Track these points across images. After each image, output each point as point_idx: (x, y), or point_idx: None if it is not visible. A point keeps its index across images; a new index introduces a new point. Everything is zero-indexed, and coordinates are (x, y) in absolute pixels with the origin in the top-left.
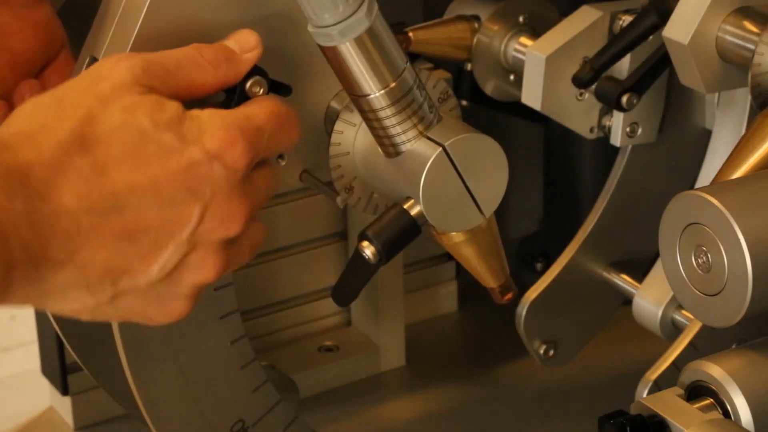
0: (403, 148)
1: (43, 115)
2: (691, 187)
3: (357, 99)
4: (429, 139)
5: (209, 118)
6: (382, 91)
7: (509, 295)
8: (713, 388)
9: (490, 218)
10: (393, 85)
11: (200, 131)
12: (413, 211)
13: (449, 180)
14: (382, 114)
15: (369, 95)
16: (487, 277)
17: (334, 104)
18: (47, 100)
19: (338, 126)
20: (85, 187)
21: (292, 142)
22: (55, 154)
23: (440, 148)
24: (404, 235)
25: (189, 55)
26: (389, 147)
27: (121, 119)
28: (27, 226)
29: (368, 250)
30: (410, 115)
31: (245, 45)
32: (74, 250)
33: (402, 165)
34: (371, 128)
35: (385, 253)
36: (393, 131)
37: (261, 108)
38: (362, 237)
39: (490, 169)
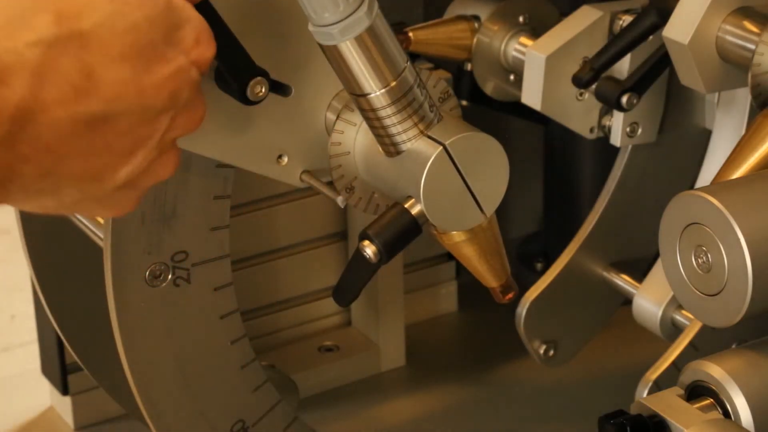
0: (404, 147)
1: (17, 3)
2: (691, 187)
3: (357, 98)
4: (430, 138)
5: (191, 15)
6: (383, 90)
7: (510, 295)
8: (713, 388)
9: (491, 217)
10: (393, 84)
11: (185, 32)
12: (414, 211)
13: (450, 179)
14: (382, 113)
15: (369, 94)
16: (488, 276)
17: (335, 104)
18: None
19: (338, 126)
20: (72, 95)
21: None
22: (38, 58)
23: (441, 147)
24: (405, 234)
25: None
26: (390, 146)
27: (111, 10)
28: (4, 147)
29: (369, 250)
30: (411, 114)
31: None
32: (53, 162)
33: (403, 164)
34: (372, 127)
35: (386, 252)
36: (393, 130)
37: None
38: (363, 236)
39: (491, 168)
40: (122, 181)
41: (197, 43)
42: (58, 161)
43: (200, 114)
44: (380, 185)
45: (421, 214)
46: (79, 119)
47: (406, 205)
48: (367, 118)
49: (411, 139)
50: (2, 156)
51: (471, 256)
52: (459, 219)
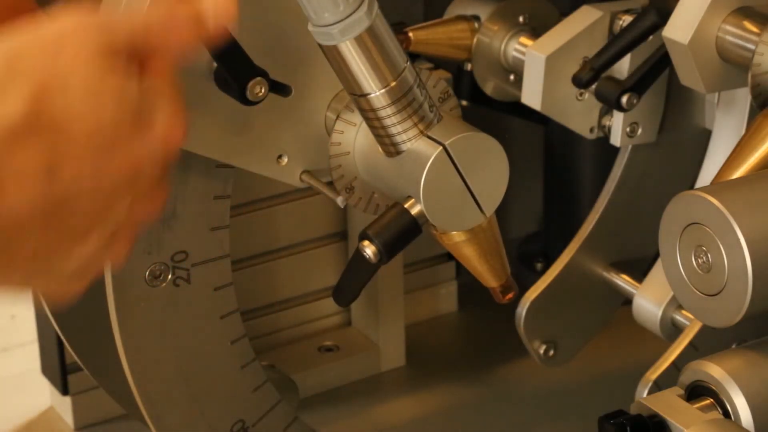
0: (404, 147)
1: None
2: (691, 187)
3: (357, 98)
4: (429, 138)
5: (165, 103)
6: (383, 90)
7: (510, 295)
8: (713, 388)
9: (490, 217)
10: (393, 84)
11: (154, 119)
12: (414, 211)
13: (450, 179)
14: (382, 113)
15: (369, 94)
16: (488, 276)
17: (335, 104)
18: None
19: (338, 126)
20: (34, 186)
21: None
22: (4, 143)
23: (441, 147)
24: (405, 234)
25: (159, 18)
26: (390, 146)
27: (83, 99)
28: None
29: (369, 250)
30: (410, 114)
31: (220, 10)
32: (6, 243)
33: (402, 164)
34: (372, 128)
35: (386, 252)
36: (393, 130)
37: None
38: (363, 236)
39: (491, 168)
40: (73, 263)
41: (169, 125)
42: (8, 243)
43: (160, 201)
44: (380, 185)
45: (421, 214)
46: (36, 203)
47: (406, 205)
48: (367, 119)
49: (411, 139)
50: None
51: (471, 256)
52: (459, 219)
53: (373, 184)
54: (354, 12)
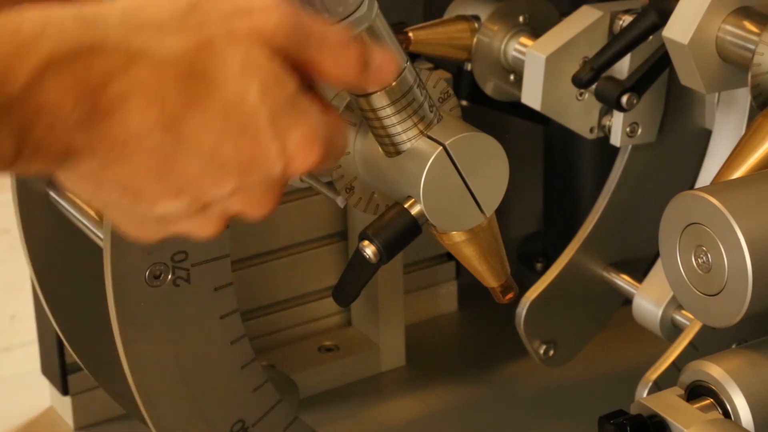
0: (404, 147)
1: (165, 18)
2: (691, 187)
3: (357, 98)
4: (429, 138)
5: (310, 118)
6: (383, 90)
7: (510, 295)
8: (713, 388)
9: (490, 217)
10: (393, 84)
11: (293, 127)
12: (414, 211)
13: (450, 179)
14: (382, 113)
15: (369, 94)
16: (488, 276)
17: (335, 104)
18: (184, 1)
19: None
20: (159, 117)
21: (326, 169)
22: (151, 66)
23: (441, 147)
24: (405, 234)
25: (337, 40)
26: (390, 146)
27: (234, 72)
28: (79, 129)
29: (369, 250)
30: (410, 114)
31: (383, 72)
32: (112, 160)
33: (402, 164)
34: (372, 128)
35: (386, 252)
36: (393, 130)
37: (341, 131)
38: (363, 236)
39: (491, 168)
40: (157, 213)
41: (301, 146)
42: (115, 161)
43: (266, 207)
44: (380, 185)
45: (421, 214)
46: (150, 140)
47: (406, 205)
48: (367, 118)
49: (411, 140)
50: (79, 136)
51: (471, 257)
52: (459, 219)
53: (373, 184)
54: (354, 12)
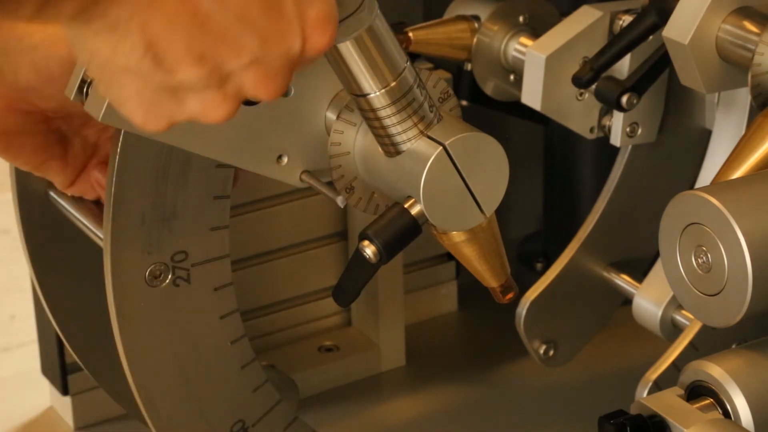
0: (404, 147)
1: None
2: (691, 187)
3: (357, 98)
4: (429, 138)
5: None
6: (383, 90)
7: (510, 295)
8: (713, 388)
9: (490, 217)
10: (393, 84)
11: (312, 3)
12: (414, 211)
13: (450, 179)
14: (382, 113)
15: (369, 94)
16: (488, 276)
17: (335, 104)
18: None
19: (338, 126)
20: None
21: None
22: None
23: (441, 147)
24: (405, 234)
25: None
26: (390, 146)
27: None
28: None
29: (369, 250)
30: (410, 115)
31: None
32: (144, 8)
33: (402, 164)
34: (372, 128)
35: (386, 252)
36: (393, 130)
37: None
38: (363, 236)
39: (491, 168)
40: (174, 82)
41: (317, 24)
42: (146, 9)
43: (279, 86)
44: (380, 185)
45: (421, 214)
46: None
47: (406, 205)
48: (367, 119)
49: (411, 140)
50: None
51: (471, 257)
52: (459, 219)
53: (373, 184)
54: (354, 12)
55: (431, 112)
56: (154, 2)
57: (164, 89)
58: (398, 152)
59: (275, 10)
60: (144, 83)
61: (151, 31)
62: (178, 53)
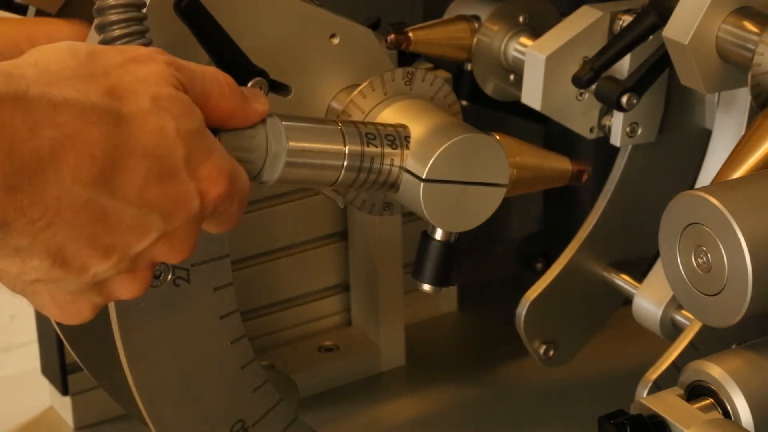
0: (398, 182)
1: (73, 69)
2: (691, 187)
3: (335, 185)
4: (408, 172)
5: (216, 150)
6: (343, 173)
7: (585, 177)
8: (713, 388)
9: (518, 164)
10: (346, 162)
11: (203, 161)
12: (438, 237)
13: (449, 192)
14: (360, 181)
15: (338, 179)
16: (558, 180)
17: (335, 105)
18: (82, 52)
19: None
20: (90, 170)
21: (234, 220)
22: (77, 116)
23: (421, 183)
24: (445, 260)
25: (214, 73)
26: (387, 191)
27: (148, 108)
28: (9, 193)
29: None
30: (381, 163)
31: (259, 97)
32: (43, 227)
33: (404, 197)
34: (366, 190)
35: (442, 281)
36: (380, 180)
37: (244, 176)
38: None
39: (481, 154)
40: (86, 280)
41: (210, 179)
42: (46, 226)
43: (188, 248)
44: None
45: (446, 234)
46: (85, 187)
47: (429, 234)
48: (356, 186)
49: (398, 177)
50: (9, 202)
51: (535, 182)
52: (482, 208)
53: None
54: (266, 155)
55: (394, 146)
56: (55, 216)
57: (78, 288)
58: (397, 189)
59: (171, 183)
60: (57, 288)
61: (55, 244)
62: (85, 254)
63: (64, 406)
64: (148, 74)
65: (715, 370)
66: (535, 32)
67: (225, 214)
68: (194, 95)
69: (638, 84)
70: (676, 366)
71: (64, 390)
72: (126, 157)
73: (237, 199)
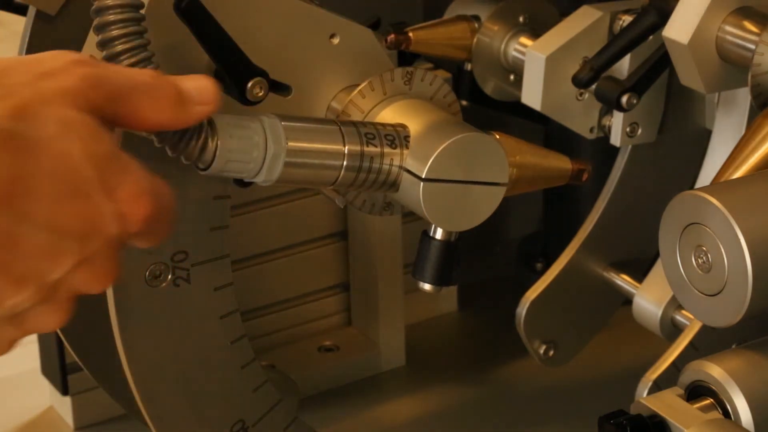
0: (398, 182)
1: None
2: (691, 187)
3: (334, 185)
4: (408, 172)
5: (134, 172)
6: (343, 172)
7: (585, 176)
8: (713, 388)
9: (516, 162)
10: (346, 162)
11: (119, 183)
12: (439, 236)
13: (449, 192)
14: (359, 180)
15: (338, 179)
16: (558, 179)
17: (335, 105)
18: None
19: None
20: None
21: (161, 236)
22: None
23: (421, 183)
24: (445, 260)
25: (146, 82)
26: (387, 191)
27: (54, 132)
28: None
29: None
30: (380, 162)
31: (203, 96)
32: None
33: (403, 196)
34: (365, 189)
35: (443, 282)
36: (380, 179)
37: (168, 191)
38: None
39: (482, 155)
40: (2, 310)
41: (130, 200)
42: None
43: (111, 273)
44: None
45: (447, 233)
46: None
47: (431, 234)
48: (355, 186)
49: (397, 177)
50: None
51: (534, 185)
52: (484, 206)
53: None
54: (264, 155)
55: (394, 146)
56: None
57: None
58: (397, 189)
59: (84, 206)
60: None
61: None
62: None
63: (64, 406)
64: (56, 92)
65: (715, 370)
66: (535, 32)
67: (152, 233)
68: (113, 111)
69: (638, 84)
70: (676, 366)
71: (64, 390)
72: (32, 181)
73: (163, 218)
